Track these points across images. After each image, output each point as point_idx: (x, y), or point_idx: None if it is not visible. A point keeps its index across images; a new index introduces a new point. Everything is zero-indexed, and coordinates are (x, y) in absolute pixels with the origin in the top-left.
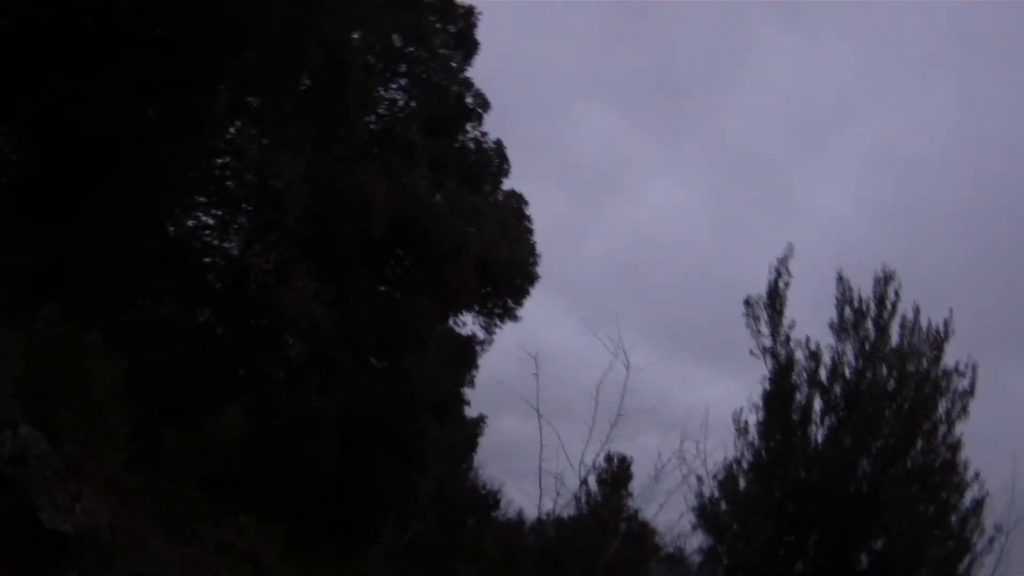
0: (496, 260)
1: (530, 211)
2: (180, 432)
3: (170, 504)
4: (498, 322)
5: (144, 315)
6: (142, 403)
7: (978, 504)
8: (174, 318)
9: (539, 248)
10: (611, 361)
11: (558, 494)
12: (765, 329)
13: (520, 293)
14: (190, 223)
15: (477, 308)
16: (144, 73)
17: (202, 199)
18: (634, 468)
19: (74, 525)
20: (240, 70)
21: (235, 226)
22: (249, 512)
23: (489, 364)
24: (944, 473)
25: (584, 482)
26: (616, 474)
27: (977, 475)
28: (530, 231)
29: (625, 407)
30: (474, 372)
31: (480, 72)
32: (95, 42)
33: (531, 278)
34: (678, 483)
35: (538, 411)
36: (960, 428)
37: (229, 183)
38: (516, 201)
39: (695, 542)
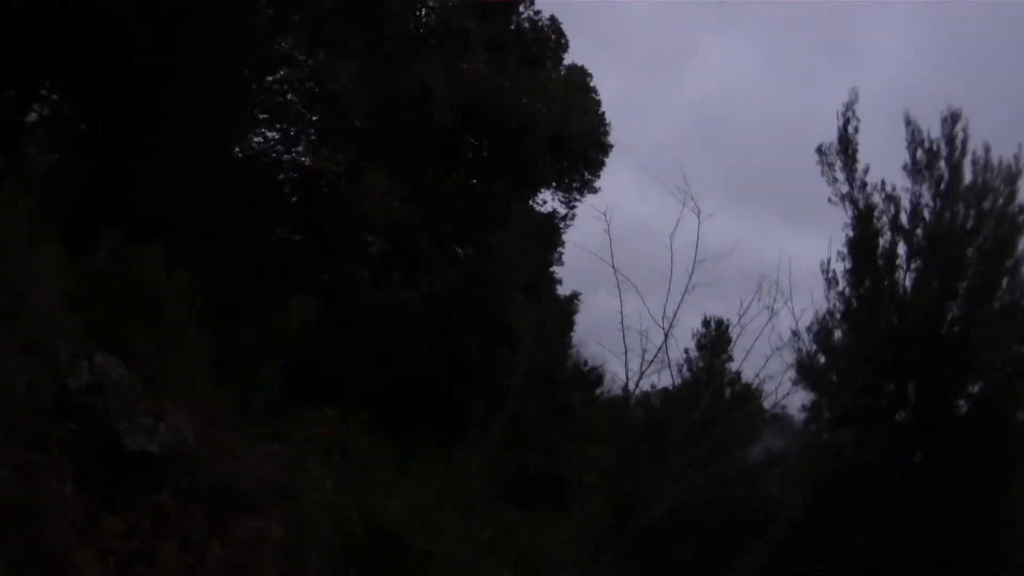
0: (567, 134)
1: (594, 83)
2: (251, 330)
3: (252, 405)
4: (577, 196)
5: (216, 234)
6: (219, 318)
7: None
8: (249, 234)
9: (609, 118)
10: (681, 210)
11: (645, 350)
12: (840, 176)
13: (596, 164)
14: (256, 140)
15: (555, 184)
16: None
17: (263, 116)
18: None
19: (159, 444)
20: None
21: (301, 137)
22: (335, 405)
23: (575, 241)
24: None
25: (666, 344)
26: (715, 338)
27: None
28: (597, 102)
29: (702, 255)
30: (560, 250)
31: None
32: None
33: (605, 148)
34: (771, 338)
35: (613, 266)
36: None
37: (289, 95)
38: (579, 74)
39: (797, 399)
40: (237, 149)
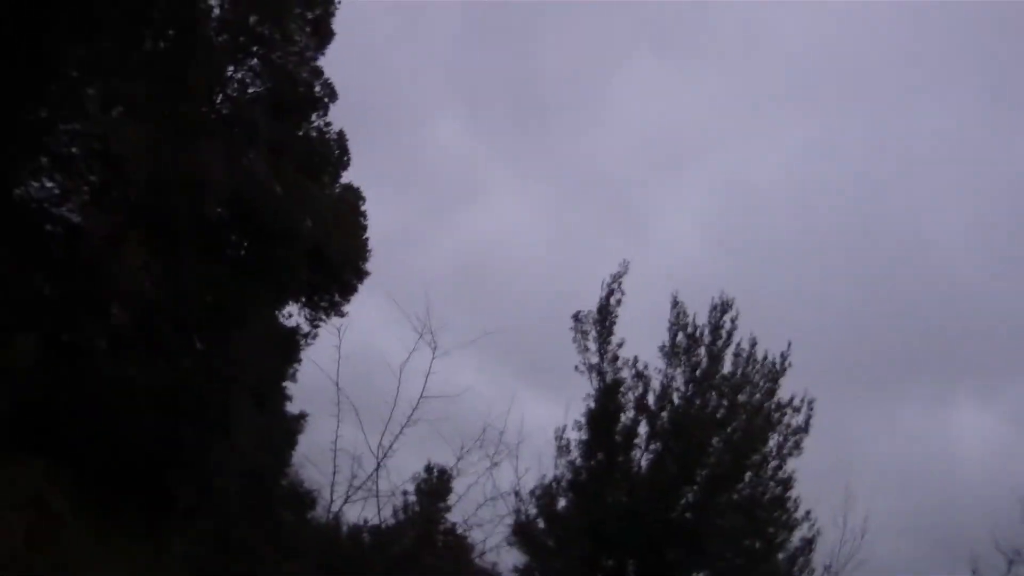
0: (328, 252)
1: (366, 207)
2: None
3: None
4: (324, 316)
5: None
6: None
7: (808, 543)
8: (2, 275)
9: (373, 245)
10: (417, 342)
11: (355, 476)
12: (592, 346)
13: (349, 288)
14: (34, 185)
15: (304, 300)
16: None
17: (45, 160)
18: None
19: None
20: (89, 22)
21: (75, 195)
22: (46, 459)
23: (313, 360)
24: (773, 509)
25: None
26: (436, 485)
27: (808, 513)
28: (364, 227)
29: (431, 393)
30: (296, 366)
31: (332, 62)
32: None
33: (361, 274)
34: (489, 490)
35: (336, 384)
36: (792, 464)
37: (74, 148)
38: (353, 195)
39: (511, 559)
40: (16, 191)
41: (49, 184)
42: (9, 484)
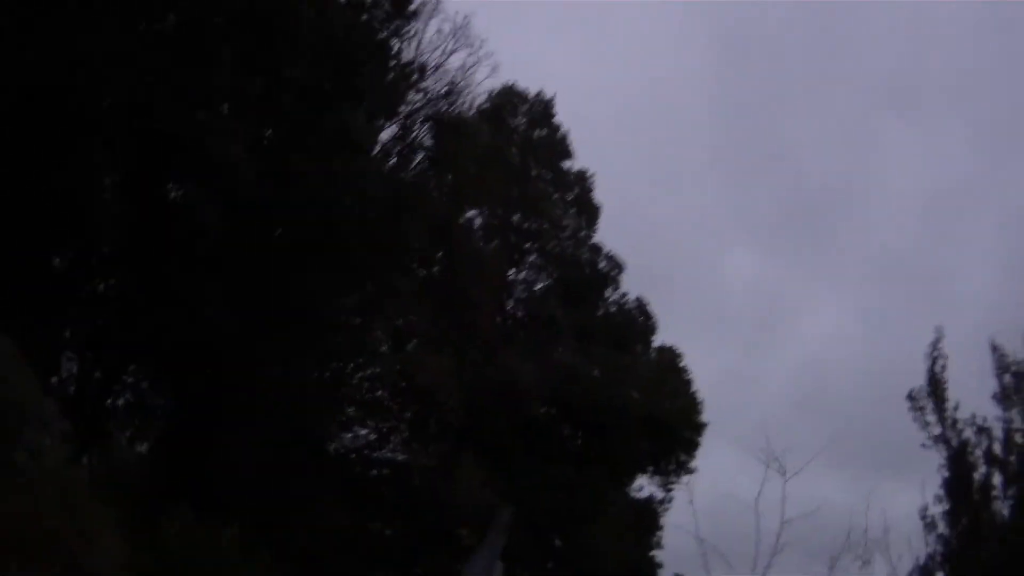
0: (660, 416)
1: (685, 362)
2: None
3: None
4: (674, 478)
5: (303, 523)
6: None
7: None
8: (339, 526)
9: (703, 395)
10: (766, 472)
11: None
12: (932, 418)
13: (691, 445)
14: (347, 436)
15: (651, 469)
16: (260, 285)
17: (352, 409)
18: None
19: None
20: (356, 271)
21: (392, 435)
22: None
23: (674, 522)
24: None
25: None
26: None
27: None
28: (689, 382)
29: (789, 515)
30: (659, 533)
31: (607, 233)
32: (210, 259)
33: (698, 428)
34: None
35: (697, 536)
36: None
37: (379, 392)
38: (669, 355)
39: None
40: (331, 446)
41: (363, 431)
42: None
